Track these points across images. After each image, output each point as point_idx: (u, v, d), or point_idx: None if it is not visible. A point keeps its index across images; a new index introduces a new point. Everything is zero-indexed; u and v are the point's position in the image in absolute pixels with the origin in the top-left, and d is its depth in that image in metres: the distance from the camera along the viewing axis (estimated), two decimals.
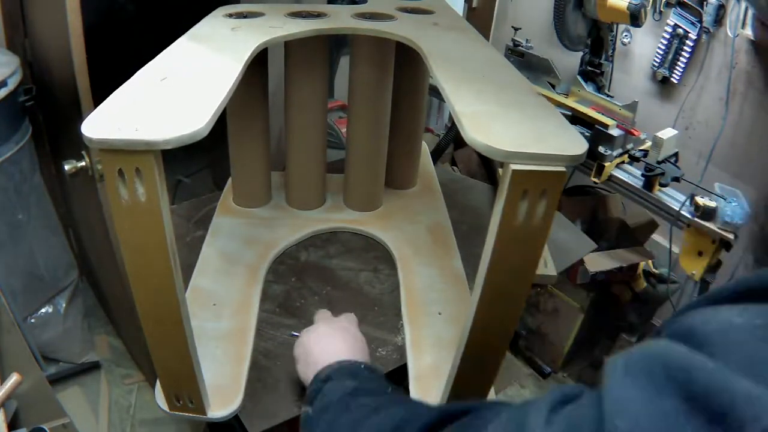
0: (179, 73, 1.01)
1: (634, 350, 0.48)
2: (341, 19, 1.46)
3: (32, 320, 2.30)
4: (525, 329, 2.92)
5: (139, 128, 0.78)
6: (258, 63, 1.43)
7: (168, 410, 1.12)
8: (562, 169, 0.80)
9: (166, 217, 0.84)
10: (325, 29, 1.40)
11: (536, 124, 0.89)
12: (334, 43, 2.85)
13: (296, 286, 1.51)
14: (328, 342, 1.10)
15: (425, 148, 2.04)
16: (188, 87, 0.96)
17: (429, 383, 1.22)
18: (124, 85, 0.93)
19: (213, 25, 1.34)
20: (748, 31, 2.25)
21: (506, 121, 0.90)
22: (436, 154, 2.68)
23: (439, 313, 1.41)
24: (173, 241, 0.88)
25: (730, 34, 2.33)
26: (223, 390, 1.16)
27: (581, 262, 2.39)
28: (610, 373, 0.47)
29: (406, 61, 1.64)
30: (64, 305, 2.38)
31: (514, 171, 0.78)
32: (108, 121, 0.80)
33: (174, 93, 0.93)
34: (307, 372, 1.04)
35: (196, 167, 3.61)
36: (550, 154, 0.79)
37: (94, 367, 2.54)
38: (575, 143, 0.83)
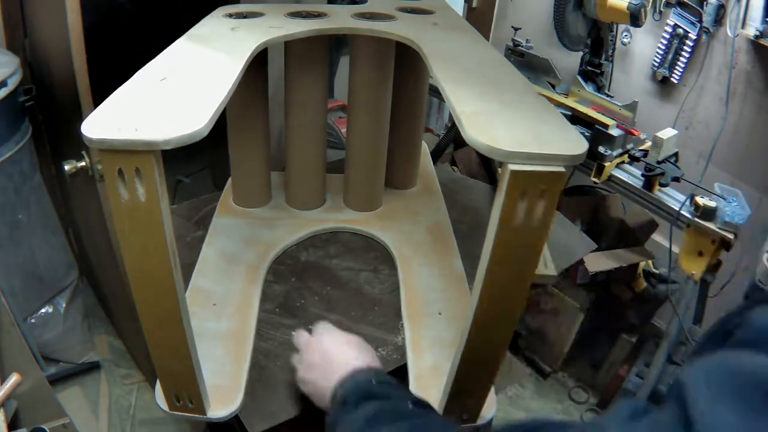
0: (179, 73, 1.01)
1: (710, 363, 0.47)
2: (341, 19, 1.46)
3: (32, 320, 2.30)
4: (525, 329, 2.92)
5: (139, 128, 0.78)
6: (258, 63, 1.43)
7: (168, 410, 1.12)
8: (561, 169, 0.80)
9: (166, 217, 0.84)
10: (325, 29, 1.40)
11: (536, 124, 0.89)
12: (334, 43, 2.85)
13: (296, 286, 1.50)
14: (339, 350, 1.09)
15: (425, 148, 2.04)
16: (188, 87, 0.96)
17: (429, 383, 1.22)
18: (123, 85, 0.93)
19: (213, 25, 1.34)
20: (748, 31, 2.25)
21: (506, 121, 0.90)
22: (436, 154, 2.69)
23: (440, 313, 1.41)
24: (173, 241, 0.88)
25: (730, 34, 2.33)
26: (224, 390, 1.16)
27: (581, 262, 2.39)
28: (692, 391, 0.46)
29: (406, 61, 1.64)
30: (64, 305, 2.38)
31: (513, 171, 0.78)
32: (108, 121, 0.80)
33: (174, 93, 0.93)
34: (319, 385, 1.05)
35: (196, 167, 3.61)
36: (550, 154, 0.79)
37: (94, 367, 2.54)
38: (575, 143, 0.83)
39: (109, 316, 2.74)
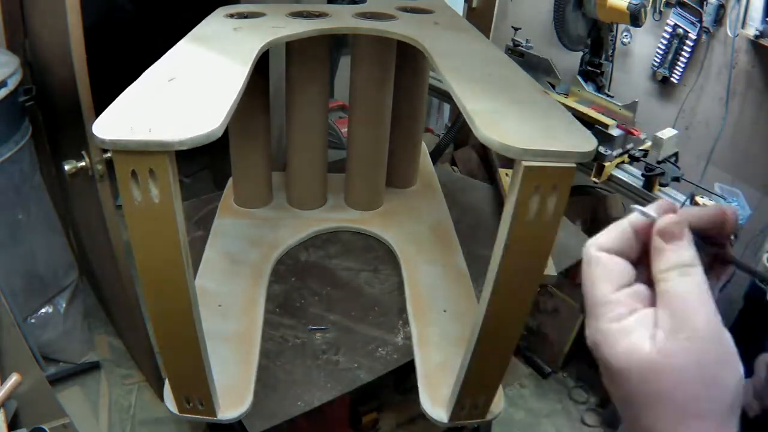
0: (187, 74, 1.01)
1: None
2: (343, 19, 1.46)
3: (32, 320, 2.30)
4: (525, 329, 2.92)
5: (153, 129, 0.78)
6: (259, 63, 1.43)
7: (177, 413, 1.11)
8: (572, 165, 0.81)
9: (180, 218, 0.84)
10: (327, 29, 1.40)
11: (546, 122, 0.90)
12: (334, 43, 2.85)
13: (296, 286, 1.51)
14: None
15: (424, 148, 2.04)
16: (197, 88, 0.96)
17: (438, 380, 1.22)
18: (131, 86, 0.93)
19: (215, 26, 1.34)
20: (748, 31, 2.25)
21: (517, 118, 0.91)
22: (436, 154, 2.68)
23: (445, 311, 1.41)
24: (186, 242, 0.88)
25: (730, 33, 2.33)
26: (233, 391, 1.15)
27: (581, 261, 2.39)
28: None
29: (407, 61, 1.64)
30: (64, 305, 2.38)
31: (527, 167, 0.79)
32: (120, 122, 0.79)
33: (184, 94, 0.93)
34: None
35: (197, 167, 3.61)
36: (563, 151, 0.80)
37: (94, 367, 2.53)
38: (585, 139, 0.84)
39: (109, 316, 2.74)
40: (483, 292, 0.95)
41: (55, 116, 2.07)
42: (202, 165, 3.61)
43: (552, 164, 0.80)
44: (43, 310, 2.33)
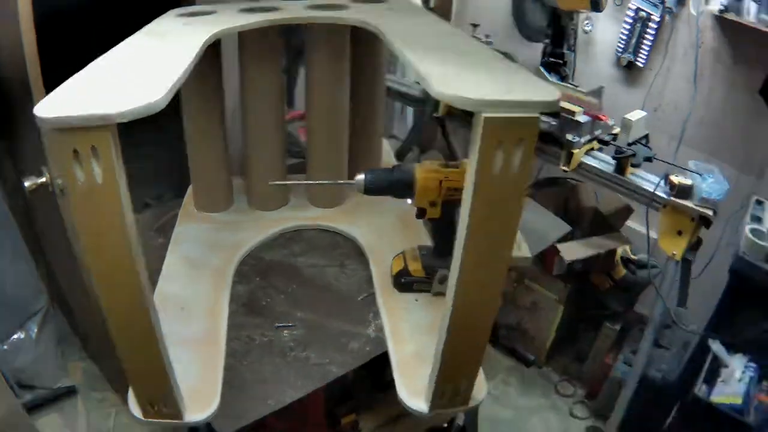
0: (135, 60, 1.00)
1: None
2: (295, 11, 1.44)
3: (4, 346, 2.25)
4: (505, 326, 2.89)
5: (93, 103, 0.76)
6: (212, 63, 1.42)
7: (142, 417, 1.08)
8: (535, 114, 0.78)
9: (126, 199, 0.81)
10: (279, 19, 1.38)
11: (505, 77, 0.89)
12: (295, 53, 2.82)
13: (261, 285, 1.47)
14: None
15: (386, 146, 2.01)
16: (145, 69, 0.95)
17: (414, 371, 1.19)
18: (78, 72, 0.91)
19: (166, 23, 1.32)
20: (713, 7, 2.23)
21: (475, 77, 0.90)
22: (401, 157, 2.65)
23: (416, 300, 1.39)
24: (134, 225, 0.85)
25: (693, 12, 2.32)
26: (199, 393, 1.12)
27: (557, 251, 2.37)
28: None
29: (362, 56, 1.63)
30: (35, 330, 2.34)
31: (486, 119, 0.77)
32: (61, 102, 0.78)
33: (130, 74, 0.91)
34: None
35: (165, 189, 3.57)
36: (524, 100, 0.78)
37: (71, 392, 2.49)
38: (546, 90, 0.82)
39: (83, 341, 2.69)
40: (452, 266, 0.92)
41: (16, 132, 2.04)
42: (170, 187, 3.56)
43: (513, 115, 0.77)
44: (15, 336, 2.28)
